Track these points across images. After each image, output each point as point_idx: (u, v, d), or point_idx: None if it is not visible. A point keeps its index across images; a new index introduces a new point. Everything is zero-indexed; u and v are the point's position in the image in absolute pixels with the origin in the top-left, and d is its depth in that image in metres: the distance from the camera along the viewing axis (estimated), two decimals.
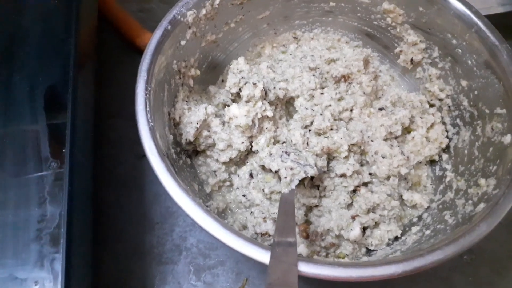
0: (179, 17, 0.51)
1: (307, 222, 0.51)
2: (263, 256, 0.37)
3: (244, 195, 0.53)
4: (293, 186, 0.48)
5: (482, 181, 0.47)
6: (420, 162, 0.56)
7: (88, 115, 0.55)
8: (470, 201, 0.46)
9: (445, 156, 0.56)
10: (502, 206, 0.40)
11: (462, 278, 0.55)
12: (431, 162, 0.58)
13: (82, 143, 0.49)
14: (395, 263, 0.37)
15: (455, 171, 0.53)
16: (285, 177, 0.48)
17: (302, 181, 0.51)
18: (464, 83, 0.55)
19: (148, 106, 0.44)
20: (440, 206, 0.51)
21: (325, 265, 0.37)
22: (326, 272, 0.36)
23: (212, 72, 0.61)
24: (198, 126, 0.50)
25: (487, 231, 0.39)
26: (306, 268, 0.36)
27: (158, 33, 0.49)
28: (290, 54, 0.64)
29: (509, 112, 0.47)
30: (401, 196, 0.53)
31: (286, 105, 0.59)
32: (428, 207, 0.53)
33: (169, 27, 0.50)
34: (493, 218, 0.40)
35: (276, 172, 0.49)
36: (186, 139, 0.51)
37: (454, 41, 0.55)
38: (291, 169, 0.48)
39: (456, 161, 0.54)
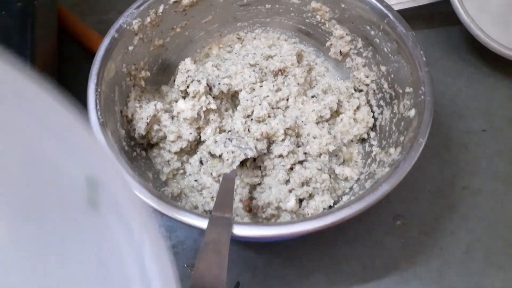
0: (125, 26, 0.57)
1: (251, 198, 0.58)
2: (202, 223, 0.44)
3: (196, 180, 0.60)
4: (234, 167, 0.54)
5: (392, 150, 0.54)
6: (352, 141, 0.64)
7: None
8: (382, 168, 0.53)
9: (372, 134, 0.64)
10: (402, 169, 0.47)
11: (395, 240, 0.63)
12: (362, 140, 0.65)
13: None
14: (310, 220, 0.44)
15: (380, 146, 0.61)
16: (227, 159, 0.55)
17: (245, 163, 0.58)
18: (383, 68, 0.62)
19: (98, 105, 0.50)
20: (366, 177, 0.58)
21: (253, 226, 0.44)
22: (254, 232, 0.43)
23: (164, 73, 0.68)
24: (148, 121, 0.57)
25: (389, 190, 0.46)
26: (237, 230, 0.43)
27: (106, 41, 0.56)
28: (235, 53, 0.71)
29: (414, 90, 0.55)
30: (334, 171, 0.60)
31: (232, 98, 0.66)
32: (358, 179, 0.60)
33: (116, 35, 0.56)
34: (394, 179, 0.46)
35: (220, 156, 0.56)
36: (138, 133, 0.57)
37: (372, 32, 0.62)
38: (233, 152, 0.55)
39: (380, 137, 0.62)
